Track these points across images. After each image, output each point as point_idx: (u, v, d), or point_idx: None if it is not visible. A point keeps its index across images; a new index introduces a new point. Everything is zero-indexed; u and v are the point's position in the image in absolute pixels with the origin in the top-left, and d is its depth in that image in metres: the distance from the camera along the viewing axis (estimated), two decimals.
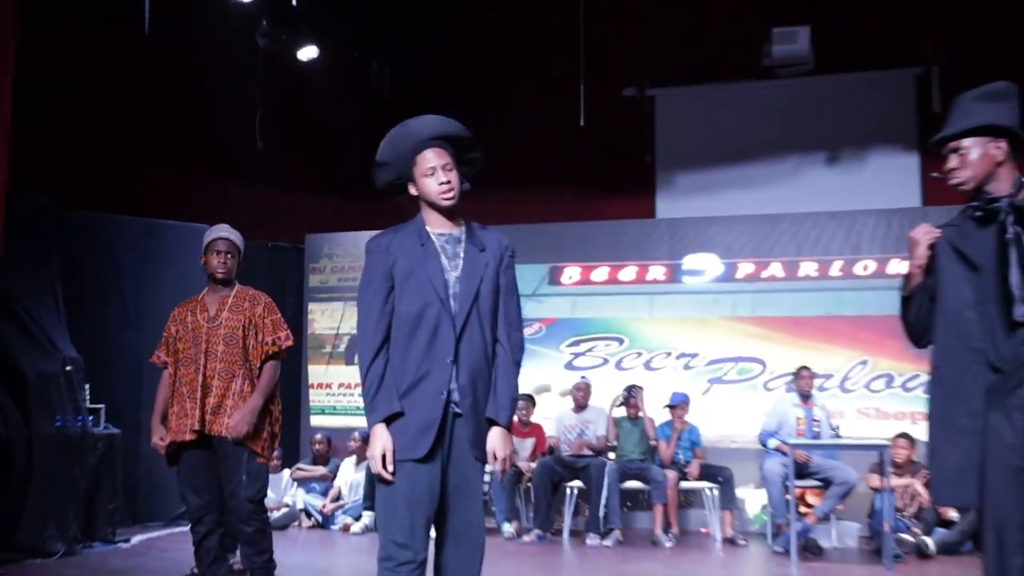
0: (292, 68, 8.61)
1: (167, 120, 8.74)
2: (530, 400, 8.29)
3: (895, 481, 7.01)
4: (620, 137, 9.54)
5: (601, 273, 9.22)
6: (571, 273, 9.25)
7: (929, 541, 6.69)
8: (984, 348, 2.68)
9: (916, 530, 6.84)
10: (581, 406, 7.85)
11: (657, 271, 9.11)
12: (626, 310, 9.07)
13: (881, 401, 8.38)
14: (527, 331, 9.20)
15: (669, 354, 8.88)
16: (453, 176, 2.91)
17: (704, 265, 8.99)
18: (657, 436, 7.77)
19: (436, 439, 2.80)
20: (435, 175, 2.89)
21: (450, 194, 2.90)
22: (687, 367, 8.81)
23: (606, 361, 8.88)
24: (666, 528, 7.40)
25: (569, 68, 8.65)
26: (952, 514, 6.95)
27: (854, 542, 7.40)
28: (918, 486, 7.15)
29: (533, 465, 7.77)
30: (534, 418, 8.35)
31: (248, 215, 9.52)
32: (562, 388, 8.72)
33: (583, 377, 8.14)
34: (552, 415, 8.32)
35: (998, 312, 2.65)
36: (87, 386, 6.81)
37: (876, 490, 6.88)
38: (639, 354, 8.92)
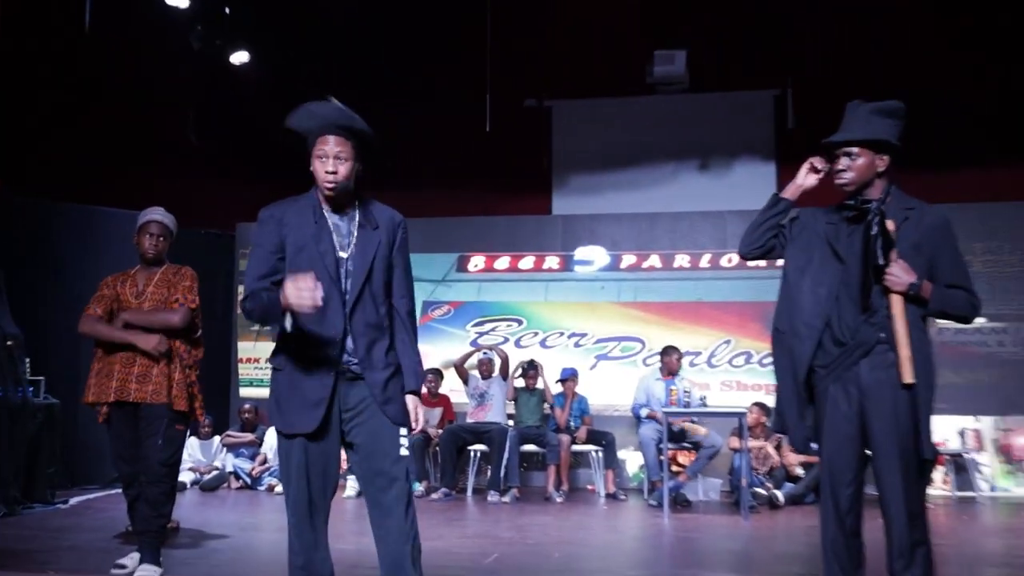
0: (226, 67, 8.36)
1: (108, 114, 8.40)
2: (438, 374, 8.28)
3: (752, 443, 7.24)
4: (521, 142, 9.56)
5: (503, 262, 9.25)
6: (476, 262, 9.25)
7: (779, 494, 6.93)
8: (831, 325, 2.73)
9: (768, 485, 7.08)
10: (486, 375, 7.91)
11: (552, 261, 9.20)
12: (525, 295, 9.13)
13: (741, 375, 8.64)
14: (437, 313, 9.21)
15: (562, 334, 8.97)
16: (342, 168, 2.64)
17: (593, 256, 9.11)
18: (553, 405, 7.86)
19: (328, 412, 2.62)
20: (325, 162, 2.64)
21: (331, 184, 2.64)
22: (577, 345, 8.92)
23: (507, 339, 8.93)
24: (558, 485, 7.49)
25: (477, 80, 8.63)
26: (797, 470, 7.23)
27: (716, 496, 7.60)
28: (770, 448, 7.41)
29: (441, 431, 7.77)
30: (441, 390, 8.34)
31: (182, 204, 9.22)
32: (469, 363, 8.73)
33: (485, 352, 8.18)
34: (459, 387, 8.33)
35: (853, 297, 2.70)
36: (28, 360, 6.54)
37: (736, 451, 7.07)
38: (536, 333, 8.99)
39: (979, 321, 8.13)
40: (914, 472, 2.65)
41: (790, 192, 2.96)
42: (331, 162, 2.64)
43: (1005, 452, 8.16)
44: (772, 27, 8.43)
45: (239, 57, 8.29)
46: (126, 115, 8.54)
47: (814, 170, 2.90)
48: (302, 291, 2.46)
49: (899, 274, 2.62)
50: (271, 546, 4.99)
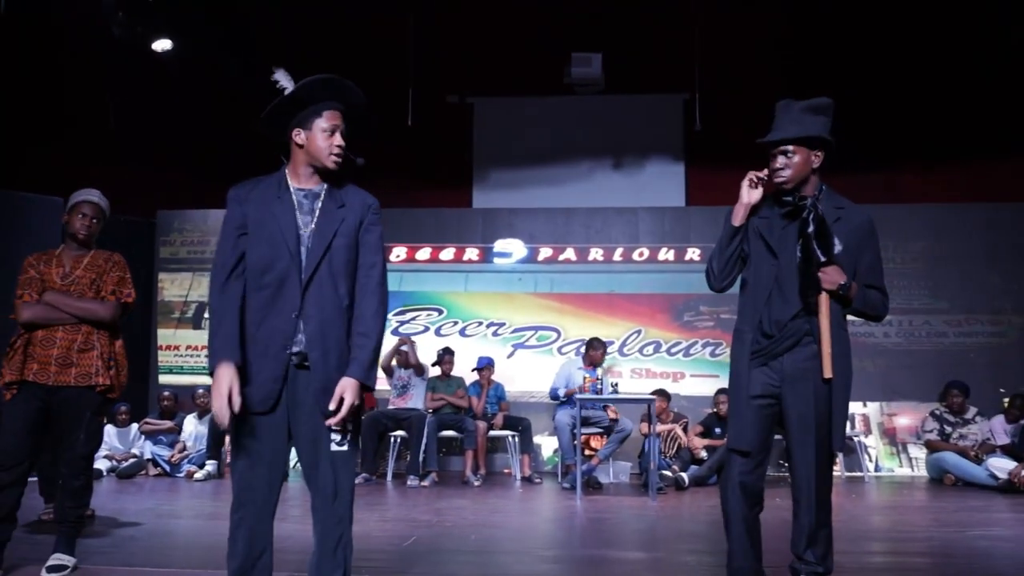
0: (148, 56, 8.03)
1: (28, 99, 8.00)
2: None
3: (660, 428, 7.36)
4: (443, 137, 9.51)
5: (424, 253, 9.18)
6: (398, 252, 9.15)
7: (684, 476, 7.06)
8: (761, 318, 2.74)
9: (675, 467, 7.21)
10: (405, 365, 7.80)
11: (472, 252, 9.17)
12: (445, 285, 9.08)
13: (651, 363, 8.78)
14: None
15: (480, 323, 8.96)
16: (344, 143, 2.60)
17: (511, 248, 9.12)
18: (468, 393, 7.84)
19: (280, 392, 2.51)
20: (334, 136, 2.57)
21: (340, 156, 2.58)
22: (495, 334, 8.92)
23: (427, 328, 8.87)
24: (475, 469, 7.48)
25: (400, 76, 8.52)
26: (701, 454, 7.39)
27: (626, 478, 7.72)
28: (678, 431, 7.55)
29: (362, 418, 7.65)
30: None
31: (102, 190, 8.87)
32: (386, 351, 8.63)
33: (410, 342, 8.05)
34: (381, 374, 8.21)
35: (784, 292, 2.71)
36: None
37: (645, 435, 7.19)
38: (455, 323, 8.96)
39: None
40: (825, 459, 2.70)
41: (740, 216, 2.84)
42: (339, 137, 2.59)
43: (889, 435, 8.53)
44: (681, 34, 8.56)
45: (161, 45, 7.97)
46: (46, 100, 8.14)
47: (754, 184, 2.83)
48: (221, 410, 2.40)
49: (832, 274, 2.66)
50: (190, 532, 4.84)
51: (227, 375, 2.41)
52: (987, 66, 8.24)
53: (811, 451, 2.67)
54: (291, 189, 2.62)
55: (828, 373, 2.64)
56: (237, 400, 2.41)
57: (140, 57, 8.00)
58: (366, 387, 2.60)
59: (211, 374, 2.46)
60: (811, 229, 2.65)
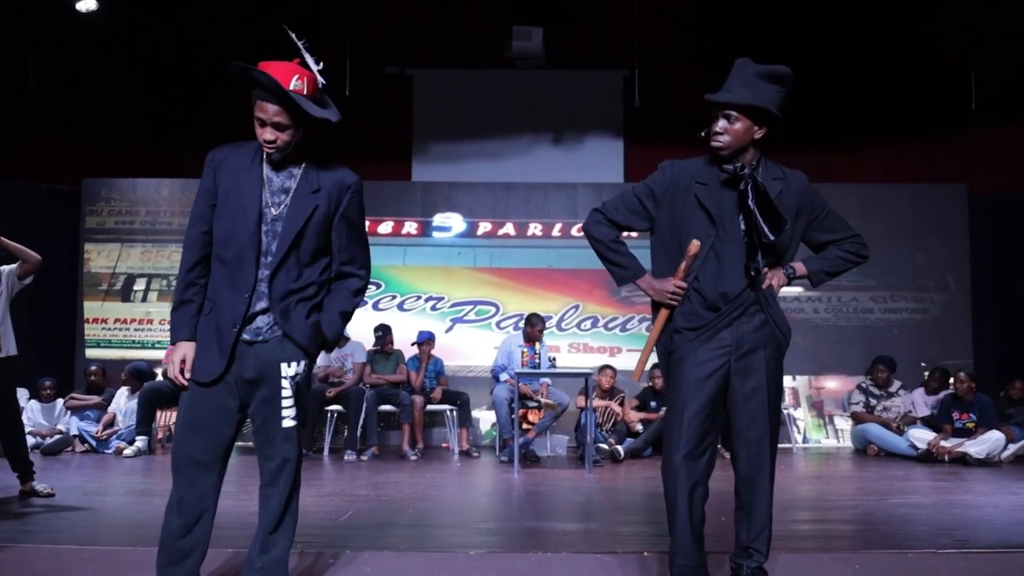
0: (72, 15, 7.69)
1: None
2: None
3: (597, 402, 7.44)
4: (382, 108, 9.37)
5: None
6: None
7: (620, 449, 7.16)
8: (700, 289, 2.57)
9: (611, 440, 7.30)
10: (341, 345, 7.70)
11: (411, 226, 9.09)
12: (383, 259, 8.98)
13: (588, 338, 8.87)
14: None
15: (419, 297, 8.92)
16: (281, 136, 2.46)
17: (450, 223, 9.07)
18: (407, 367, 7.80)
19: (227, 367, 2.51)
20: (263, 129, 2.47)
21: (271, 150, 2.48)
22: (434, 308, 8.89)
23: (365, 302, 8.78)
24: (412, 444, 7.47)
25: (338, 45, 8.34)
26: (637, 427, 7.51)
27: (563, 451, 7.79)
28: (614, 406, 7.65)
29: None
30: None
31: (26, 159, 8.51)
32: None
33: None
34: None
35: (728, 262, 2.54)
36: None
37: (582, 409, 7.24)
38: (394, 297, 8.90)
39: (797, 290, 8.68)
40: (774, 429, 2.58)
41: (647, 289, 2.66)
42: (269, 130, 2.47)
43: (817, 408, 8.79)
44: (621, 10, 8.56)
45: (86, 4, 7.64)
46: None
47: (677, 301, 2.60)
48: (175, 369, 2.53)
49: (774, 278, 2.57)
50: (119, 509, 4.72)
51: (182, 349, 2.53)
52: (913, 53, 8.46)
53: (767, 428, 2.54)
54: (264, 165, 2.56)
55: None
56: (188, 370, 2.52)
57: (63, 17, 7.67)
58: (312, 357, 2.65)
59: (172, 344, 2.58)
60: (751, 202, 2.48)
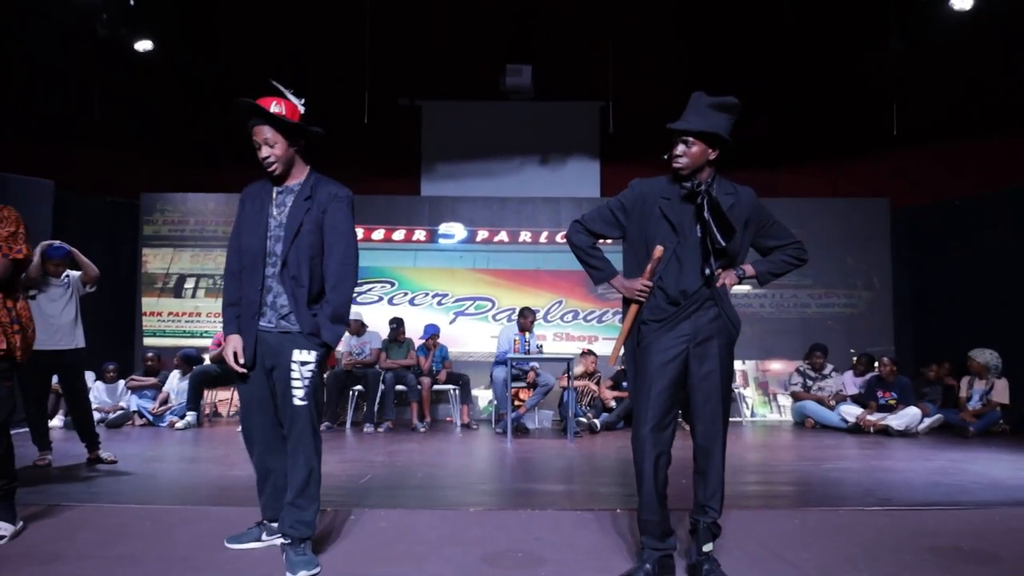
0: (131, 54, 7.66)
1: (21, 92, 7.55)
2: None
3: (577, 382, 7.44)
4: (395, 134, 9.37)
5: (379, 234, 9.05)
6: (356, 233, 9.00)
7: (597, 422, 7.16)
8: (664, 287, 2.56)
9: (589, 415, 7.32)
10: (357, 333, 7.67)
11: (420, 234, 9.07)
12: (396, 261, 8.98)
13: (570, 328, 8.86)
14: None
15: (427, 294, 8.89)
16: (273, 151, 2.62)
17: (454, 231, 9.05)
18: (417, 353, 7.78)
19: (255, 352, 2.65)
20: (260, 150, 2.65)
21: (270, 166, 2.64)
22: (440, 303, 8.88)
23: (381, 299, 8.76)
24: (421, 418, 7.46)
25: (356, 79, 8.34)
26: (611, 403, 7.51)
27: (548, 424, 7.80)
28: (592, 385, 7.65)
29: (325, 375, 7.55)
30: None
31: (91, 175, 8.46)
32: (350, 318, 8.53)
33: (356, 313, 7.91)
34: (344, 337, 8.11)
35: (687, 264, 2.54)
36: None
37: (564, 388, 7.27)
38: (405, 294, 8.87)
39: (747, 288, 8.69)
40: (725, 407, 2.58)
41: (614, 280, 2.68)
42: (263, 149, 2.64)
43: (762, 387, 8.81)
44: (598, 52, 8.57)
45: (143, 45, 7.60)
46: (37, 95, 7.71)
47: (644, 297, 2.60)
48: (233, 366, 2.69)
49: (726, 278, 2.57)
50: (172, 475, 4.71)
51: (232, 342, 2.68)
52: (845, 86, 8.48)
53: (720, 405, 2.54)
54: (272, 189, 2.71)
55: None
56: (242, 359, 2.67)
57: (124, 55, 7.64)
58: (327, 346, 2.66)
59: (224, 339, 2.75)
60: (707, 213, 2.50)
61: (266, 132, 2.62)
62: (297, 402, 2.59)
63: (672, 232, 2.57)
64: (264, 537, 2.82)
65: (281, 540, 2.64)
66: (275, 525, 2.76)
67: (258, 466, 2.78)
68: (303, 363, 2.60)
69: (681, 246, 2.56)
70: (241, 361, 2.64)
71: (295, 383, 2.59)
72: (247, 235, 2.66)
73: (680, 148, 2.55)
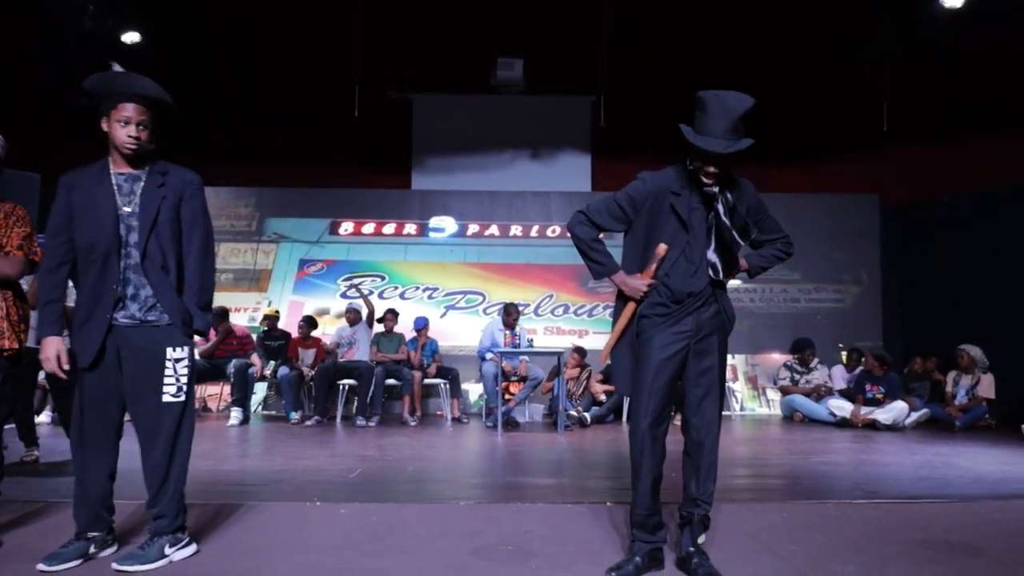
0: (118, 48, 7.57)
1: (5, 84, 7.46)
2: (311, 321, 7.98)
3: (568, 372, 7.44)
4: (386, 127, 9.32)
5: (369, 227, 9.02)
6: (346, 226, 8.97)
7: (587, 416, 7.19)
8: (668, 283, 2.53)
9: (579, 408, 7.33)
10: (352, 323, 7.67)
11: (411, 227, 9.06)
12: (387, 255, 8.96)
13: (561, 322, 8.88)
14: (312, 269, 8.88)
15: (418, 288, 8.89)
16: (144, 134, 2.51)
17: (445, 224, 9.05)
18: (407, 347, 7.78)
19: (103, 352, 2.49)
20: (127, 127, 2.49)
21: (134, 147, 2.50)
22: (430, 297, 8.87)
23: (372, 292, 8.74)
24: (412, 412, 7.46)
25: (347, 72, 8.30)
26: (601, 397, 7.53)
27: (539, 417, 7.81)
28: (582, 376, 7.65)
29: (314, 370, 7.53)
30: (314, 334, 8.06)
31: (63, 169, 8.38)
32: (338, 311, 8.52)
33: (351, 303, 7.94)
34: (330, 331, 8.11)
35: (696, 263, 2.51)
36: None
37: (549, 385, 7.26)
38: (396, 287, 8.86)
39: (736, 283, 8.72)
40: (720, 401, 2.58)
41: (623, 287, 2.61)
42: (134, 128, 2.50)
43: (752, 382, 8.86)
44: (590, 46, 8.56)
45: (130, 37, 7.52)
46: (25, 87, 7.64)
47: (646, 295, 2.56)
48: (54, 371, 2.53)
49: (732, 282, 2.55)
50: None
51: (52, 345, 2.53)
52: (836, 84, 8.51)
53: (717, 400, 2.54)
54: (111, 174, 2.55)
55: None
56: (64, 362, 2.53)
57: (110, 46, 7.56)
58: (200, 333, 2.63)
59: (38, 343, 2.55)
60: (724, 217, 2.46)
61: (144, 112, 2.52)
62: (168, 399, 2.52)
63: (683, 230, 2.53)
64: (92, 550, 2.56)
65: (154, 537, 2.55)
66: (96, 535, 2.57)
67: (83, 472, 2.54)
68: (177, 360, 2.55)
69: (690, 245, 2.52)
70: (66, 366, 2.50)
71: (167, 380, 2.52)
72: (87, 227, 2.48)
73: (714, 168, 2.43)
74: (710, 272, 2.51)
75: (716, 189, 2.49)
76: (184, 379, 2.56)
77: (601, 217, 2.67)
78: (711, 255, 2.50)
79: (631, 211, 2.60)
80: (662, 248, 2.53)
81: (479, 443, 6.10)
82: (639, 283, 2.55)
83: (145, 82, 2.54)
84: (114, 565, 2.46)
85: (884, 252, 9.06)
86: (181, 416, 2.56)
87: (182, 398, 2.55)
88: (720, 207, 2.48)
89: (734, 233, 2.47)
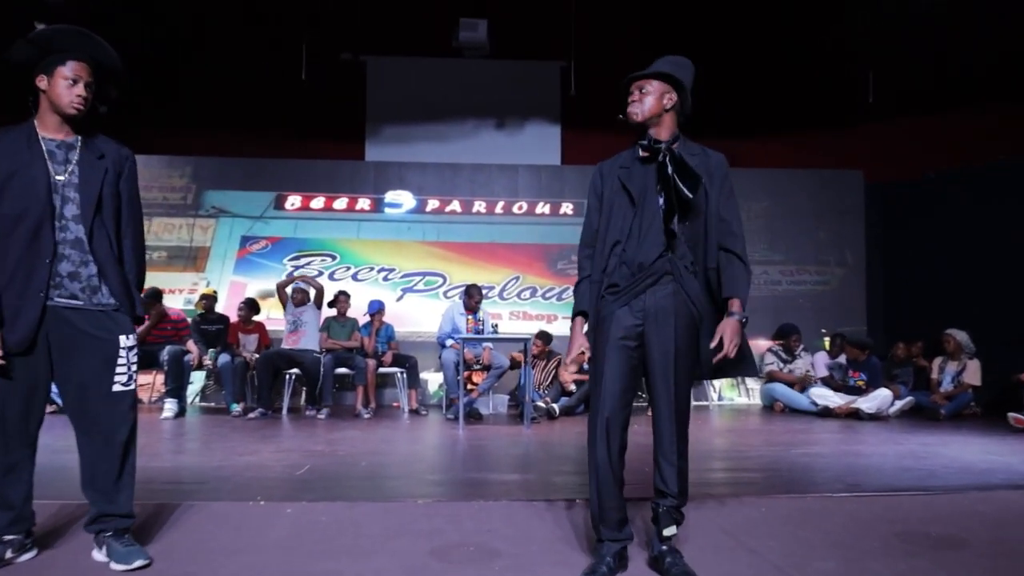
0: (44, 6, 7.30)
1: None
2: (253, 304, 7.86)
3: (537, 363, 7.48)
4: (337, 93, 9.19)
5: (319, 202, 8.91)
6: (293, 200, 8.85)
7: (555, 407, 7.22)
8: (626, 257, 2.58)
9: (547, 399, 7.38)
10: (299, 304, 7.57)
11: (364, 202, 8.97)
12: (338, 232, 8.87)
13: (527, 306, 8.90)
14: (255, 247, 8.75)
15: (372, 268, 8.82)
16: (89, 95, 2.50)
17: (401, 200, 8.98)
18: (360, 333, 7.73)
19: (36, 335, 2.43)
20: (76, 86, 2.47)
21: (81, 106, 2.48)
22: (386, 279, 8.82)
23: (321, 272, 8.65)
24: (366, 403, 7.43)
25: (293, 31, 8.13)
26: (571, 387, 7.58)
27: (504, 409, 7.85)
28: (551, 365, 7.70)
29: (257, 356, 7.44)
30: (257, 318, 7.95)
31: None
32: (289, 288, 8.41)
33: (298, 283, 7.79)
34: (275, 315, 8.01)
35: (646, 235, 2.56)
36: None
37: (516, 367, 7.28)
38: (348, 268, 8.78)
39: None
40: (686, 395, 2.57)
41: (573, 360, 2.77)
42: (82, 87, 2.49)
43: None
44: (560, 5, 8.52)
45: None
46: None
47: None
48: None
49: (730, 339, 2.53)
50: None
51: None
52: (819, 54, 8.61)
53: (675, 388, 2.53)
54: (41, 139, 2.50)
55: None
56: None
57: (33, 4, 7.29)
58: (137, 319, 2.63)
59: None
60: (670, 170, 2.53)
61: (92, 74, 2.51)
62: (119, 388, 2.52)
63: (630, 203, 2.61)
64: (8, 555, 2.49)
65: (102, 534, 2.55)
66: (12, 538, 2.50)
67: (5, 473, 2.48)
68: (129, 348, 2.54)
69: (639, 217, 2.59)
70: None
71: (119, 369, 2.51)
72: (16, 194, 2.40)
73: (636, 95, 2.63)
74: (668, 233, 2.55)
75: (661, 145, 2.59)
76: (135, 367, 2.58)
77: (587, 230, 2.76)
78: (674, 225, 2.55)
79: (597, 202, 2.73)
80: (583, 355, 2.70)
81: (439, 437, 6.10)
82: (573, 355, 2.71)
83: (107, 49, 2.54)
84: (114, 566, 2.46)
85: (868, 232, 9.25)
86: (133, 404, 2.58)
87: (132, 386, 2.56)
88: (669, 167, 2.55)
89: (678, 181, 2.52)
